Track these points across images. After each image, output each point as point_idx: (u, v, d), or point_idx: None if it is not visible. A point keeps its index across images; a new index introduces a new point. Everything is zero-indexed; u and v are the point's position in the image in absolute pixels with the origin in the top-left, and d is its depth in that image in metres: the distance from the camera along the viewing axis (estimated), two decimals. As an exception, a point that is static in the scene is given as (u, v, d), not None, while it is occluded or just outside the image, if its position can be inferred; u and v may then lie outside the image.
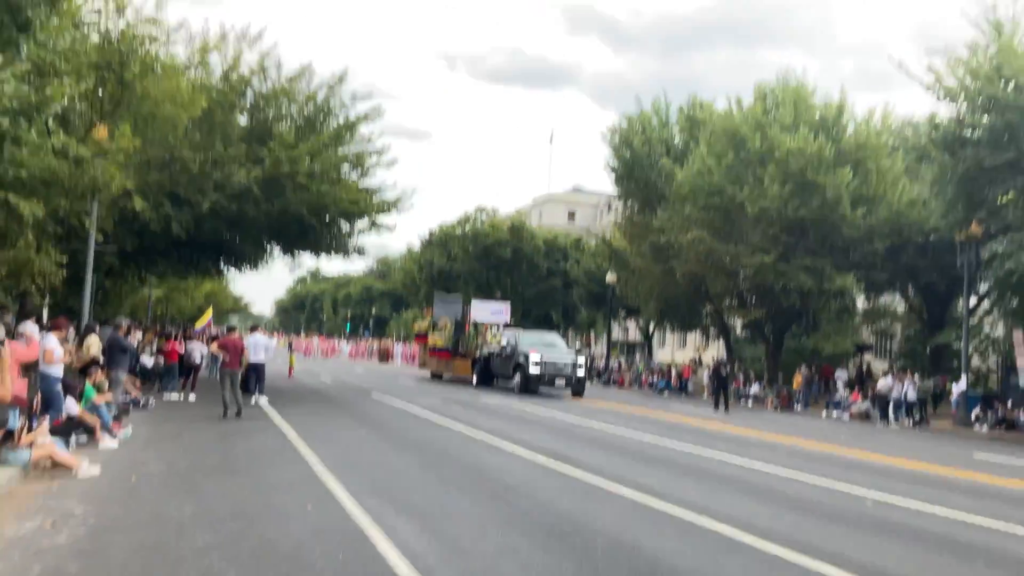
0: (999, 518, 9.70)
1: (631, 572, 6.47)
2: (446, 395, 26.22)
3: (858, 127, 33.08)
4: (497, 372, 31.33)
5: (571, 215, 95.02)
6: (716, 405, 28.24)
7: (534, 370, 28.52)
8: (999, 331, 35.69)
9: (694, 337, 58.57)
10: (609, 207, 76.05)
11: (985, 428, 25.23)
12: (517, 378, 29.11)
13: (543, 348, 29.62)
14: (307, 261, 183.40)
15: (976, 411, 26.18)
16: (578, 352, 33.93)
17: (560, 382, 28.89)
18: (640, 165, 40.17)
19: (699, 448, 15.34)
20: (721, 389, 28.41)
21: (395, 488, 9.51)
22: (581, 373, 29.75)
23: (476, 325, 34.57)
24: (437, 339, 36.66)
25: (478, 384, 31.86)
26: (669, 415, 23.87)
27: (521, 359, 29.07)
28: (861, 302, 39.44)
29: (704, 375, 36.60)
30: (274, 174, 21.19)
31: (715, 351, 49.26)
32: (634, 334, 66.27)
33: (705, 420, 23.06)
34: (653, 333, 57.68)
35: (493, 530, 7.66)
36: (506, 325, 35.22)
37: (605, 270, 48.95)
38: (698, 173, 33.52)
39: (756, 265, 32.25)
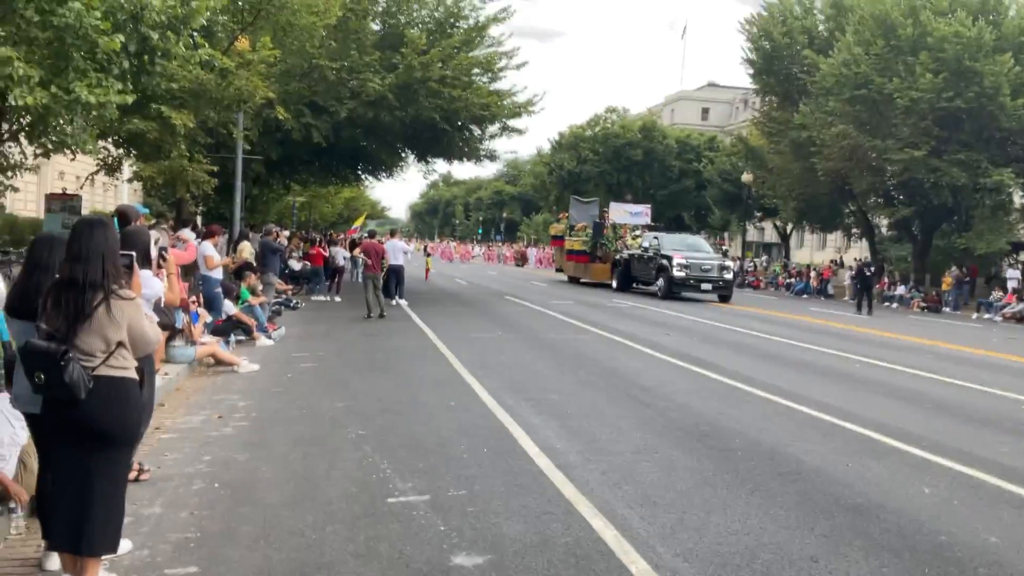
0: None
1: (773, 472, 6.47)
2: (580, 298, 26.42)
3: (1020, 9, 30.35)
4: (638, 276, 30.19)
5: (704, 113, 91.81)
6: (859, 307, 27.26)
7: (678, 273, 27.02)
8: None
9: (835, 238, 56.45)
10: (745, 103, 73.02)
11: None
12: (660, 282, 27.74)
13: (687, 251, 28.27)
14: (440, 167, 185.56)
15: None
16: (724, 254, 33.17)
17: (706, 286, 27.40)
18: (780, 57, 38.31)
19: (840, 351, 14.95)
20: (864, 291, 27.38)
21: (533, 387, 9.77)
22: (728, 276, 28.21)
23: (615, 227, 33.69)
24: (575, 242, 35.34)
25: (618, 288, 30.74)
26: (809, 318, 23.28)
27: (664, 262, 27.57)
28: (1018, 198, 36.82)
29: (846, 276, 35.31)
30: (407, 80, 21.40)
31: (857, 252, 47.33)
32: (770, 235, 64.32)
33: (847, 323, 22.38)
34: (791, 234, 55.84)
35: (630, 430, 7.78)
36: (646, 227, 34.28)
37: (740, 169, 47.43)
38: (844, 64, 31.64)
39: (905, 160, 30.46)
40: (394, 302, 19.94)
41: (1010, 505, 5.91)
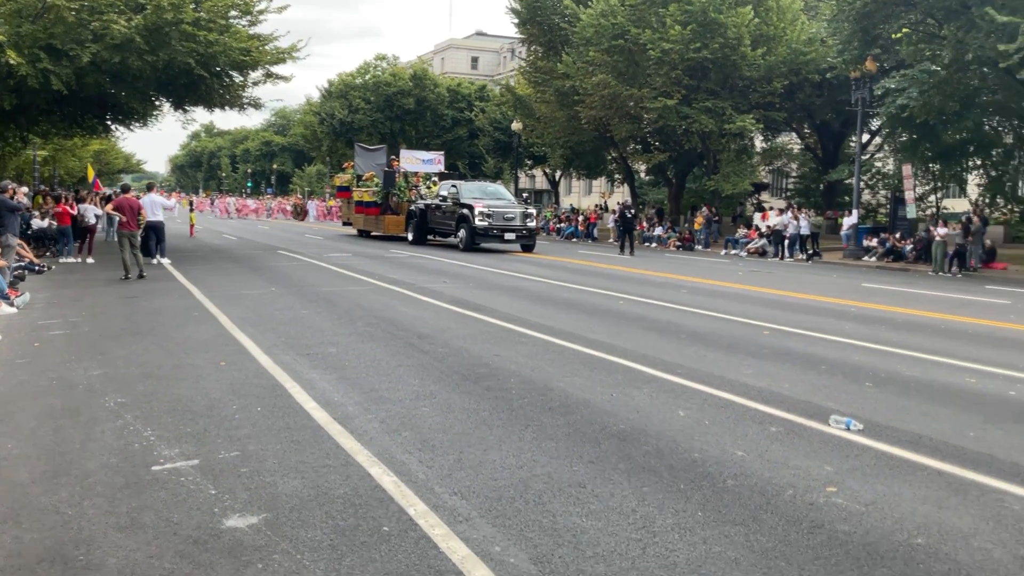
0: (885, 343, 10.41)
1: (544, 408, 6.75)
2: (358, 250, 26.06)
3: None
4: (436, 227, 28.73)
5: (474, 62, 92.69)
6: (622, 248, 28.90)
7: (481, 223, 25.73)
8: (889, 166, 37.16)
9: (599, 183, 59.23)
10: (513, 53, 74.37)
11: (874, 259, 26.65)
12: (462, 233, 26.32)
13: (489, 199, 27.12)
14: (200, 116, 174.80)
15: (865, 242, 27.59)
16: (526, 202, 32.81)
17: (510, 236, 26.26)
18: (543, 7, 39.24)
19: (606, 290, 15.80)
20: (626, 233, 29.01)
21: (308, 342, 9.56)
22: (532, 225, 27.36)
23: (407, 176, 32.23)
24: (364, 193, 33.19)
25: (414, 241, 29.20)
26: (577, 260, 24.35)
27: (465, 212, 26.23)
28: (759, 142, 40.32)
29: (610, 220, 37.22)
30: (157, 22, 19.82)
31: (620, 196, 49.93)
32: (541, 182, 66.47)
33: (612, 263, 23.65)
34: (560, 180, 57.97)
35: (409, 377, 7.82)
36: (440, 175, 33.09)
37: (510, 118, 48.41)
38: (601, 14, 32.95)
39: (659, 108, 32.41)
40: (155, 261, 18.76)
41: (754, 421, 6.52)
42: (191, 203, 45.24)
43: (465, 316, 11.86)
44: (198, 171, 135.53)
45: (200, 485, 4.88)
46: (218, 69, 23.44)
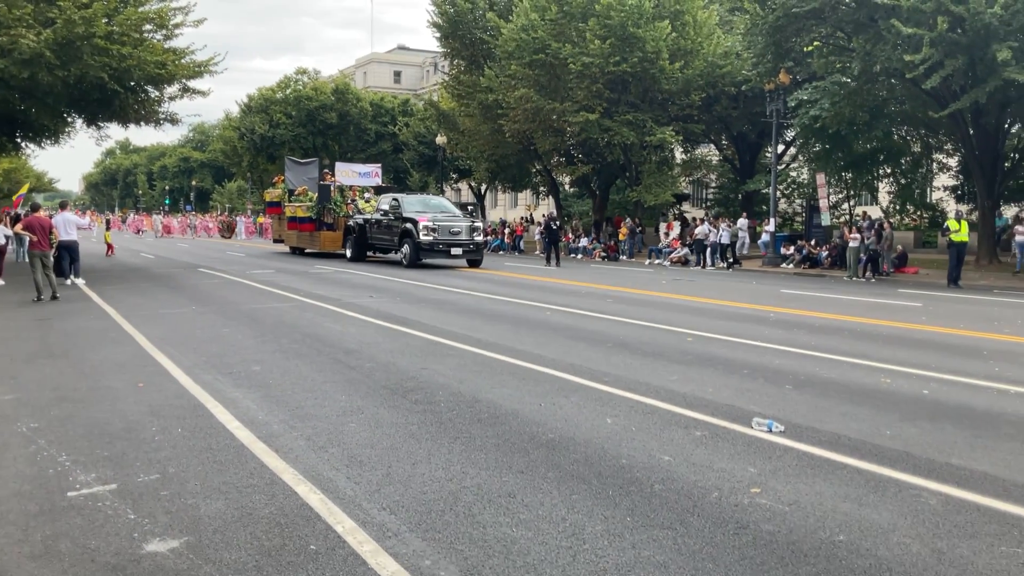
0: (803, 346, 10.70)
1: (473, 419, 6.73)
2: (281, 266, 25.65)
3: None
4: (376, 243, 27.51)
5: (397, 76, 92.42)
6: (548, 260, 29.08)
7: (426, 238, 24.56)
8: (804, 175, 38.31)
9: (525, 196, 59.59)
10: (436, 67, 74.38)
11: (791, 266, 27.40)
12: (405, 248, 25.17)
13: (433, 212, 26.02)
14: (114, 132, 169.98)
15: (783, 250, 28.37)
16: (472, 215, 31.92)
17: (456, 251, 25.08)
18: (465, 21, 39.37)
19: (533, 301, 15.87)
20: (552, 244, 29.22)
21: (231, 361, 9.35)
22: (480, 239, 26.32)
23: (343, 190, 31.21)
24: (297, 208, 31.47)
25: (353, 258, 28.07)
26: (503, 272, 24.41)
27: (408, 226, 25.04)
28: (679, 154, 41.14)
29: (536, 232, 37.45)
30: (68, 36, 19.27)
31: (546, 208, 50.31)
32: (467, 195, 66.50)
33: (539, 275, 23.77)
34: (485, 194, 58.12)
35: (336, 393, 7.72)
36: (378, 189, 32.20)
37: (434, 132, 48.38)
38: (523, 29, 33.24)
39: (581, 122, 32.78)
40: (68, 281, 18.14)
41: (679, 426, 6.62)
42: (107, 221, 43.83)
43: (392, 330, 11.77)
44: (113, 189, 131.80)
45: (118, 510, 4.72)
46: (132, 84, 22.91)
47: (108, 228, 37.41)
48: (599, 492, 5.05)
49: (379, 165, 35.42)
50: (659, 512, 4.72)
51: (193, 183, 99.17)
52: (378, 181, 32.98)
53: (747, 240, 31.84)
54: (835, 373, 8.86)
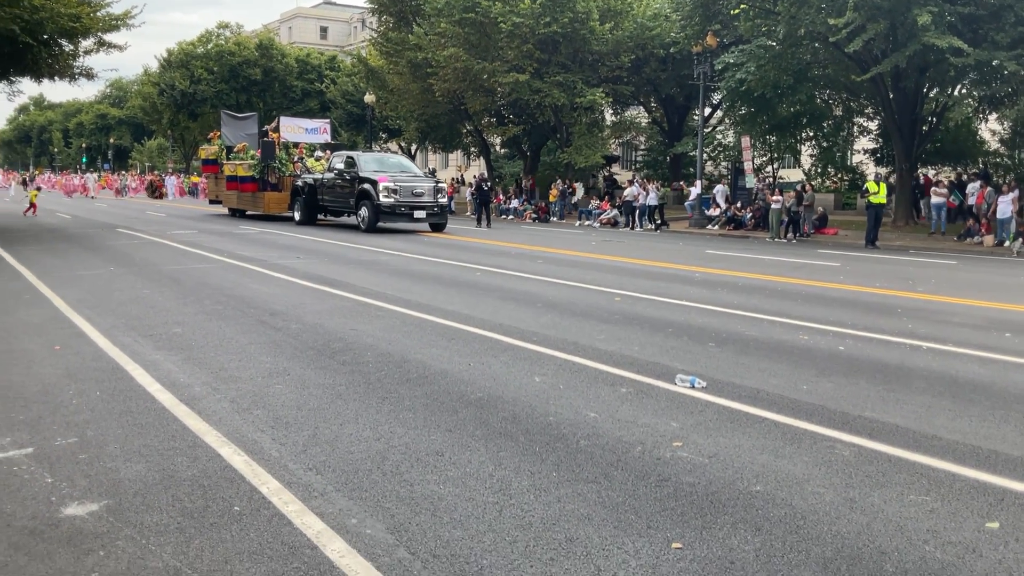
0: (726, 305, 10.94)
1: (402, 379, 6.72)
2: (204, 227, 25.05)
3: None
4: (329, 205, 25.65)
5: (323, 31, 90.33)
6: (479, 221, 29.03)
7: (386, 200, 22.76)
8: (730, 138, 38.90)
9: (456, 156, 59.17)
10: (363, 23, 72.95)
11: (716, 227, 27.90)
12: (364, 211, 23.44)
13: (393, 172, 24.21)
14: (28, 87, 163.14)
15: (709, 211, 28.84)
16: (433, 175, 30.83)
17: (419, 214, 23.36)
18: (393, -24, 38.59)
19: (463, 262, 15.85)
20: (483, 205, 29.15)
21: (152, 323, 9.13)
22: (444, 201, 24.64)
23: (288, 147, 29.16)
24: (237, 167, 28.84)
25: (302, 221, 26.13)
26: (433, 233, 24.26)
27: (367, 187, 23.23)
28: (609, 116, 41.33)
29: (467, 193, 37.29)
30: (-29, -16, 18.33)
31: (477, 169, 50.07)
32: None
33: (469, 236, 23.71)
34: (416, 154, 57.52)
35: (261, 355, 7.61)
36: (327, 146, 30.63)
37: (363, 90, 47.55)
38: (453, -14, 32.74)
39: (512, 82, 32.61)
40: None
41: (606, 383, 6.72)
42: (24, 180, 41.64)
43: (320, 291, 11.63)
44: (28, 147, 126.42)
45: (35, 474, 4.60)
46: (45, 37, 21.95)
47: (26, 186, 35.74)
48: (526, 448, 5.11)
49: (328, 120, 33.81)
50: (584, 467, 4.80)
51: (111, 141, 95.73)
52: (327, 138, 31.32)
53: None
54: (756, 331, 9.09)
